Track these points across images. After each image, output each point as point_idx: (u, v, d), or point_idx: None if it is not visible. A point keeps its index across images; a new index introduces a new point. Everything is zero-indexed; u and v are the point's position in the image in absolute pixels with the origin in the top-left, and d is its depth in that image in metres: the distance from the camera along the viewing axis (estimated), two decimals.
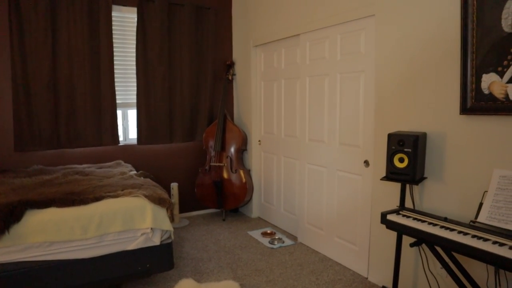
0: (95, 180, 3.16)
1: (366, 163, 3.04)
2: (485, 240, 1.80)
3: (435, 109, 2.45)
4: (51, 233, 2.41)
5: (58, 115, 3.92)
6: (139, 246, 2.69)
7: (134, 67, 4.37)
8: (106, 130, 4.15)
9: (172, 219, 2.82)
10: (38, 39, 3.73)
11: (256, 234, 4.12)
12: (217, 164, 4.53)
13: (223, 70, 4.95)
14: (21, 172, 3.45)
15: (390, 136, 2.41)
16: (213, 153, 4.57)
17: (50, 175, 3.35)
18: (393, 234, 2.82)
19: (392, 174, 2.42)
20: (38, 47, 3.74)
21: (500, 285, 2.03)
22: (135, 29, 4.31)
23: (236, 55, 4.93)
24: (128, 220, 2.62)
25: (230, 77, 4.83)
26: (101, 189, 2.85)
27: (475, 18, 2.15)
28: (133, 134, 4.57)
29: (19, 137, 3.75)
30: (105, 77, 4.09)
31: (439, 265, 2.49)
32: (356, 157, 3.15)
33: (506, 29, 2.02)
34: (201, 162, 4.88)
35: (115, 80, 4.23)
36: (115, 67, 4.23)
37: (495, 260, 1.71)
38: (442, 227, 2.01)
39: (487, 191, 2.00)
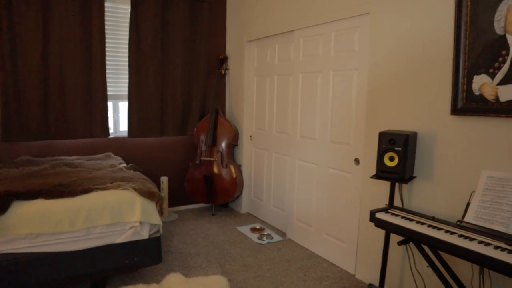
0: (84, 172, 3.13)
1: (357, 161, 3.06)
2: (471, 239, 1.83)
3: (426, 109, 2.47)
4: (38, 225, 2.38)
5: (47, 105, 3.86)
6: (127, 239, 2.68)
7: (127, 59, 4.32)
8: (96, 122, 4.11)
9: (161, 213, 2.82)
10: (28, 27, 3.66)
11: (245, 229, 4.12)
12: (208, 158, 4.52)
13: (216, 65, 4.92)
14: (8, 163, 3.40)
15: (381, 134, 2.43)
16: (204, 148, 4.56)
17: (38, 166, 3.30)
18: (381, 232, 2.85)
19: (382, 173, 2.43)
20: (28, 36, 3.67)
21: (484, 284, 2.06)
22: (128, 20, 4.27)
23: (230, 49, 4.91)
24: (117, 213, 2.61)
25: (223, 72, 4.81)
26: (90, 181, 2.83)
27: (468, 20, 2.17)
28: (123, 126, 4.53)
29: (7, 127, 3.69)
30: (97, 68, 4.03)
31: (425, 263, 2.52)
32: (347, 155, 3.17)
33: (498, 31, 2.04)
34: (192, 156, 4.86)
35: (107, 71, 4.18)
36: (107, 58, 4.18)
37: (480, 260, 1.73)
38: (429, 226, 2.04)
39: (474, 192, 2.03)
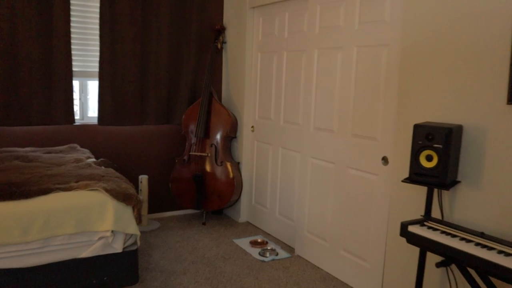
0: (41, 167, 3.14)
1: (385, 160, 3.04)
2: None
3: (475, 97, 2.43)
4: None
5: None
6: (96, 253, 2.70)
7: (97, 26, 4.29)
8: (57, 105, 4.09)
9: (139, 220, 2.85)
10: None
11: (243, 243, 4.13)
12: (199, 153, 4.51)
13: (211, 37, 4.92)
14: None
15: (416, 127, 2.40)
16: (194, 140, 4.55)
17: None
18: (415, 250, 2.83)
19: (417, 175, 2.41)
20: None
21: None
22: None
23: (228, 18, 4.89)
24: (83, 220, 2.62)
25: (219, 46, 4.80)
26: (49, 179, 2.84)
27: None
28: (93, 111, 4.53)
29: None
30: (59, 38, 4.01)
31: None
32: (373, 152, 3.15)
33: None
34: (179, 150, 4.87)
35: (72, 42, 4.15)
36: (71, 25, 4.15)
37: None
38: (477, 244, 2.02)
39: None
